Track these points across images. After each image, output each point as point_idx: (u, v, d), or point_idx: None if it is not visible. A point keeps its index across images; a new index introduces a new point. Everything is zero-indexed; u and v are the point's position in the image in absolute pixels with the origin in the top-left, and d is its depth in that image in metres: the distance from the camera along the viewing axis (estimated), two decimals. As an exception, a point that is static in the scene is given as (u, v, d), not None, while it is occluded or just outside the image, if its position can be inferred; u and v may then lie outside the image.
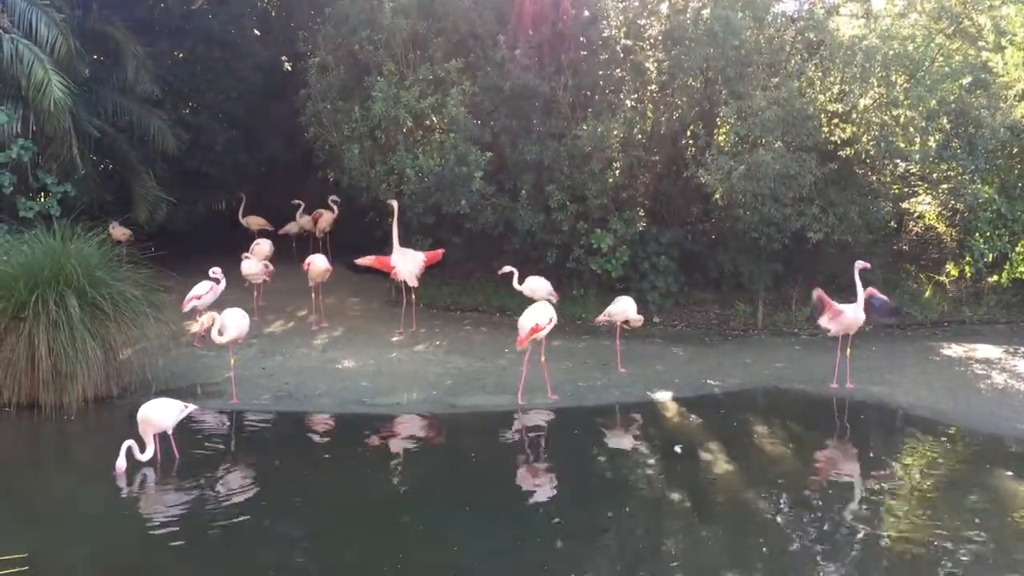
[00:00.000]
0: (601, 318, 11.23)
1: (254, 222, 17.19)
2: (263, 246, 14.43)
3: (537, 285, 12.13)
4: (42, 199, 13.25)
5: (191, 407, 8.40)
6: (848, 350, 10.60)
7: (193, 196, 18.14)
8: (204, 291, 11.50)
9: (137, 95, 15.44)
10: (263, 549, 6.74)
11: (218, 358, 11.07)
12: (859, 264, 10.66)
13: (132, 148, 15.68)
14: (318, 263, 12.92)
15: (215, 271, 11.66)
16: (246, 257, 13.42)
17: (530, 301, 12.42)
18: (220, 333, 9.85)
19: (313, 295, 13.32)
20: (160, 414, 8.03)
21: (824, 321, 10.68)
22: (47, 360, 9.35)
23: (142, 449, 7.84)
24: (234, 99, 18.24)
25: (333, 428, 9.61)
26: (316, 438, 9.38)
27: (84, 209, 12.56)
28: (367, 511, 7.52)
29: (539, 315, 10.11)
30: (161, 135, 15.62)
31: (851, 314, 10.47)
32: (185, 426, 8.39)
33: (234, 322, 10.00)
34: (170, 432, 8.13)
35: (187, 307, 11.50)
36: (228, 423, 9.51)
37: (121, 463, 7.68)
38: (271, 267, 13.22)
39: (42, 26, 12.74)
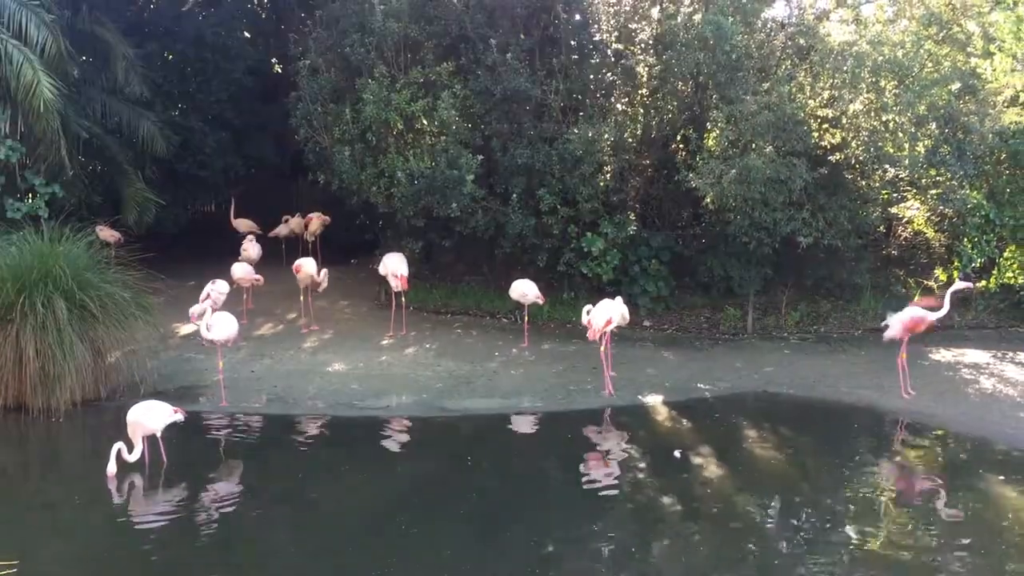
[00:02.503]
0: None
1: (243, 225, 17.13)
2: (250, 249, 14.39)
3: (525, 288, 12.16)
4: (30, 200, 13.19)
5: (181, 414, 8.33)
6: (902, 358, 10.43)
7: (183, 198, 18.12)
8: (204, 295, 11.48)
9: (127, 96, 15.40)
10: (251, 553, 6.71)
11: (207, 361, 11.03)
12: (960, 284, 10.66)
13: (121, 149, 15.63)
14: (307, 267, 12.89)
15: (217, 289, 11.61)
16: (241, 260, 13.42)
17: (519, 304, 12.54)
18: (208, 329, 9.86)
19: (302, 298, 13.29)
20: (149, 417, 7.99)
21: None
22: (35, 362, 9.31)
23: (130, 450, 7.80)
24: (224, 101, 18.20)
25: (322, 431, 9.58)
26: (305, 441, 9.35)
27: (73, 210, 12.50)
28: (357, 515, 7.51)
29: (612, 309, 10.48)
30: (151, 137, 15.58)
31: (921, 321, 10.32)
32: (174, 429, 8.33)
33: (223, 325, 9.98)
34: (159, 435, 8.09)
35: (199, 308, 11.44)
36: (217, 426, 9.47)
37: (112, 467, 7.65)
38: (260, 279, 13.00)
39: (32, 26, 12.67)
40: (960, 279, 10.91)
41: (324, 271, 12.90)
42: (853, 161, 13.37)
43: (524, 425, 9.74)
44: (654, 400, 10.40)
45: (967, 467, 8.68)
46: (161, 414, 8.10)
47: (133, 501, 7.63)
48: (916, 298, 12.60)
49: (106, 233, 14.02)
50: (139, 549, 6.72)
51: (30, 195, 13.37)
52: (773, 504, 7.55)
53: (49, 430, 9.28)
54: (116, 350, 10.22)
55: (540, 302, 12.39)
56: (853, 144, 13.19)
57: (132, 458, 7.79)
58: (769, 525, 7.14)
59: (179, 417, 8.29)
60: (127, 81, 15.18)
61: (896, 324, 10.39)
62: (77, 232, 10.66)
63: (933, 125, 12.91)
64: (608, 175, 13.65)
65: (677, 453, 8.70)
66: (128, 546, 6.81)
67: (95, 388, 9.82)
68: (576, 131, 12.88)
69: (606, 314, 10.46)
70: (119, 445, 7.71)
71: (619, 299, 10.99)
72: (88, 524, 7.27)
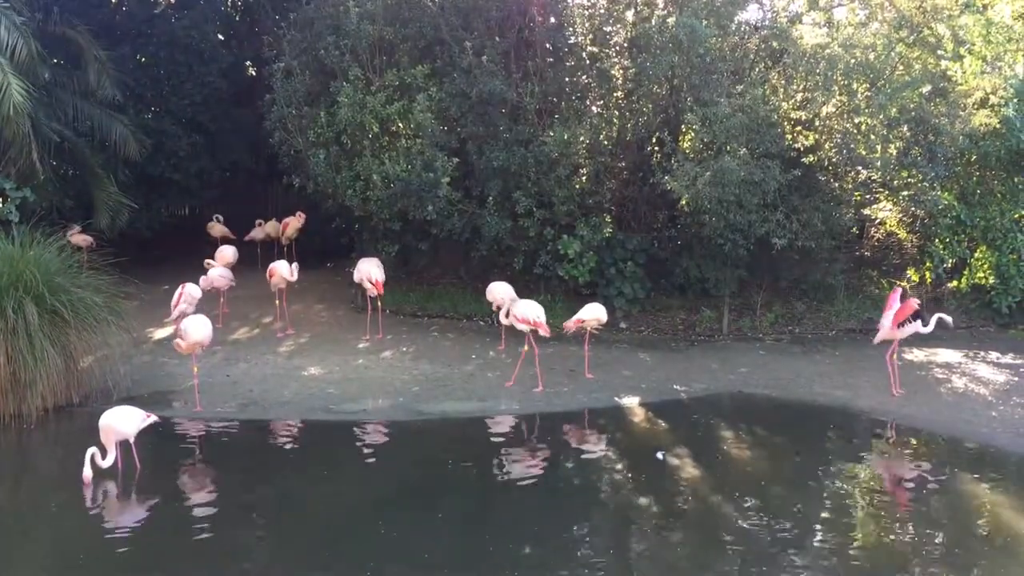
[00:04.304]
0: (572, 324, 11.23)
1: (216, 230, 17.04)
2: (226, 253, 14.29)
3: (501, 291, 12.14)
4: (0, 204, 13.03)
5: (153, 417, 8.27)
6: (893, 356, 10.63)
7: (156, 202, 17.94)
8: (175, 299, 11.42)
9: (99, 99, 15.23)
10: (225, 561, 6.65)
11: (181, 366, 10.93)
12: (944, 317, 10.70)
13: (93, 153, 15.48)
14: (280, 270, 12.84)
15: (189, 293, 11.55)
16: (210, 265, 13.32)
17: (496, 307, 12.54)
18: (181, 338, 9.77)
19: (278, 302, 13.21)
20: (122, 422, 7.92)
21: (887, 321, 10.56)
22: (6, 368, 9.20)
23: (103, 456, 7.73)
24: (198, 104, 18.05)
25: (298, 436, 9.52)
26: (281, 446, 9.30)
27: (44, 215, 12.36)
28: (333, 520, 7.47)
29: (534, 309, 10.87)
30: (123, 140, 15.42)
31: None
32: (147, 435, 8.27)
33: (197, 328, 9.89)
34: (132, 441, 8.02)
35: (175, 314, 11.39)
36: (191, 431, 9.39)
37: (87, 472, 7.57)
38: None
39: (2, 29, 12.50)
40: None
41: (295, 265, 12.85)
42: (826, 163, 13.49)
43: (502, 428, 9.72)
44: (631, 401, 10.43)
45: (940, 465, 8.77)
46: (134, 419, 8.03)
47: (107, 508, 7.55)
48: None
49: (78, 237, 13.89)
50: (114, 556, 6.65)
51: (0, 199, 13.21)
52: (753, 504, 7.57)
53: (21, 436, 9.16)
54: (88, 355, 10.11)
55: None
56: (826, 146, 13.31)
57: (105, 464, 7.72)
58: (750, 525, 7.16)
59: (152, 420, 8.23)
60: (99, 84, 15.01)
61: (885, 324, 10.56)
62: (48, 236, 10.54)
63: (904, 127, 13.06)
64: (584, 177, 13.68)
65: (660, 454, 8.70)
66: (103, 554, 6.72)
67: (67, 394, 9.71)
68: (551, 133, 12.90)
69: (534, 311, 10.78)
70: (93, 450, 7.64)
71: (597, 304, 11.31)
72: (62, 531, 7.18)
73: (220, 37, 19.81)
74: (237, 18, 21.43)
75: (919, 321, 10.41)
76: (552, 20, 14.13)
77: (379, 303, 12.81)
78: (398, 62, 13.59)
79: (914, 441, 9.49)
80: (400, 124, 13.45)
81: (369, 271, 12.58)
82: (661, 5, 13.87)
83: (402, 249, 14.06)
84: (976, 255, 14.03)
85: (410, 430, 9.62)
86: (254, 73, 20.19)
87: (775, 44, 13.43)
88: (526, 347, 10.93)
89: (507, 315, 11.10)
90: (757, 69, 13.35)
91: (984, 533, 7.11)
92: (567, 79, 14.12)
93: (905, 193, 13.58)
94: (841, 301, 13.97)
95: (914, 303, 10.47)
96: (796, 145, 13.25)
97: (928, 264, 14.09)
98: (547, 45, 14.05)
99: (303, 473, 8.41)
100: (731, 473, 8.36)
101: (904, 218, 14.78)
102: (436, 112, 13.13)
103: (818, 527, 7.16)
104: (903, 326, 10.41)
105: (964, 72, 13.43)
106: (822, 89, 12.83)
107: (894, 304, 10.53)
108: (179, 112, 17.97)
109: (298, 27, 14.89)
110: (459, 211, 13.36)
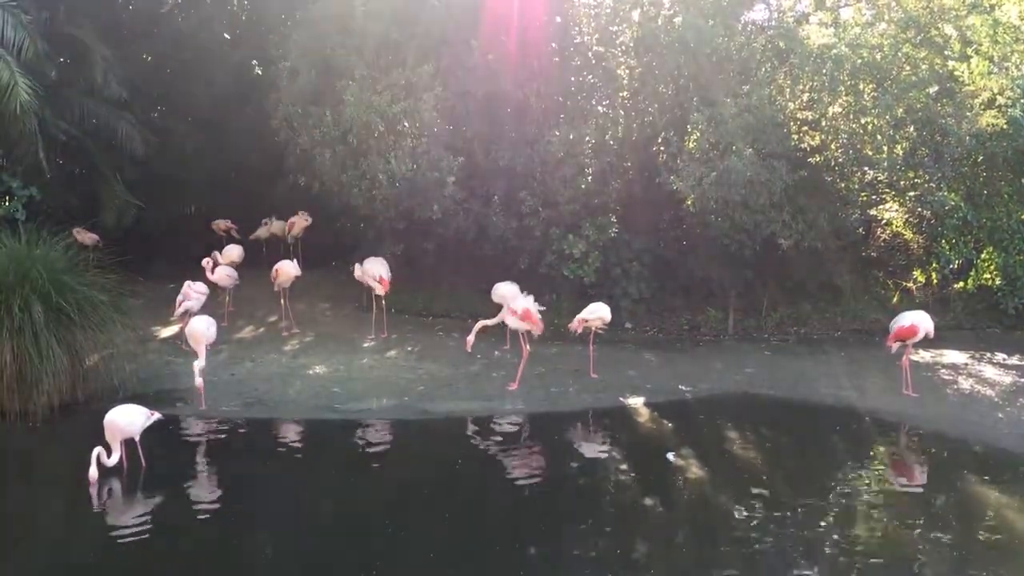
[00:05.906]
0: (576, 323, 11.21)
1: (221, 226, 17.05)
2: (232, 252, 14.30)
3: (507, 291, 12.13)
4: (7, 203, 13.07)
5: (157, 415, 8.28)
6: (907, 359, 10.61)
7: (162, 200, 17.95)
8: (180, 298, 11.48)
9: (105, 98, 15.24)
10: (229, 560, 6.66)
11: (186, 364, 10.91)
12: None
13: (99, 151, 15.50)
14: (286, 269, 12.86)
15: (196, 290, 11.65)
16: (217, 263, 13.33)
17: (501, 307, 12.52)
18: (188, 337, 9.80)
19: (282, 301, 13.21)
20: (127, 420, 7.92)
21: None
22: (11, 366, 9.19)
23: (108, 455, 7.73)
24: (203, 103, 18.06)
25: (303, 434, 9.51)
26: (286, 445, 9.29)
27: (50, 213, 12.40)
28: (338, 519, 7.47)
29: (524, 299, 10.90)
30: (129, 138, 15.44)
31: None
32: (153, 433, 8.26)
33: (201, 329, 9.90)
34: (137, 439, 8.01)
35: (179, 312, 11.47)
36: (196, 430, 9.40)
37: (93, 472, 7.56)
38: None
39: (8, 28, 12.54)
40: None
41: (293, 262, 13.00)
42: (832, 163, 13.47)
43: (507, 427, 9.71)
44: (636, 402, 10.41)
45: (947, 467, 8.74)
46: (138, 417, 8.03)
47: (113, 507, 7.55)
48: (894, 300, 12.72)
49: (84, 236, 13.92)
50: (119, 556, 6.65)
51: (7, 198, 13.25)
52: (762, 505, 7.54)
53: (26, 435, 9.17)
54: (94, 353, 10.10)
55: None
56: (832, 146, 13.29)
57: (111, 462, 7.72)
58: (759, 525, 7.14)
59: (156, 417, 8.23)
60: (105, 82, 15.02)
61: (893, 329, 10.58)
62: (55, 235, 10.56)
63: (911, 127, 13.04)
64: (589, 177, 13.66)
65: (670, 455, 8.67)
66: (108, 553, 6.73)
67: (73, 392, 9.69)
68: (557, 133, 12.90)
69: (523, 302, 10.82)
70: (99, 449, 7.64)
71: (601, 304, 11.25)
72: (67, 530, 7.19)
73: (226, 36, 19.81)
74: (243, 17, 21.42)
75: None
76: (558, 19, 14.13)
77: (383, 302, 12.82)
78: (404, 61, 13.57)
79: (920, 442, 9.46)
80: (406, 123, 13.43)
81: (377, 270, 12.59)
82: (667, 5, 13.83)
83: (407, 248, 14.05)
84: (982, 256, 13.98)
85: (415, 429, 9.61)
86: (260, 72, 20.15)
87: (781, 44, 13.40)
88: (527, 347, 10.90)
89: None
90: (763, 69, 13.32)
91: (990, 534, 7.08)
92: (573, 79, 14.13)
93: (911, 194, 13.56)
94: (847, 302, 13.95)
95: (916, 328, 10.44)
96: (802, 145, 13.23)
97: (934, 265, 14.06)
98: (553, 44, 14.05)
99: (308, 472, 8.41)
100: (739, 474, 8.32)
101: (910, 219, 14.75)
102: (442, 111, 13.12)
103: (827, 528, 7.13)
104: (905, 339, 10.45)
105: (971, 72, 13.39)
106: (828, 89, 12.80)
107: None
108: (185, 111, 18.01)
109: (304, 26, 14.89)
110: (464, 210, 13.35)
